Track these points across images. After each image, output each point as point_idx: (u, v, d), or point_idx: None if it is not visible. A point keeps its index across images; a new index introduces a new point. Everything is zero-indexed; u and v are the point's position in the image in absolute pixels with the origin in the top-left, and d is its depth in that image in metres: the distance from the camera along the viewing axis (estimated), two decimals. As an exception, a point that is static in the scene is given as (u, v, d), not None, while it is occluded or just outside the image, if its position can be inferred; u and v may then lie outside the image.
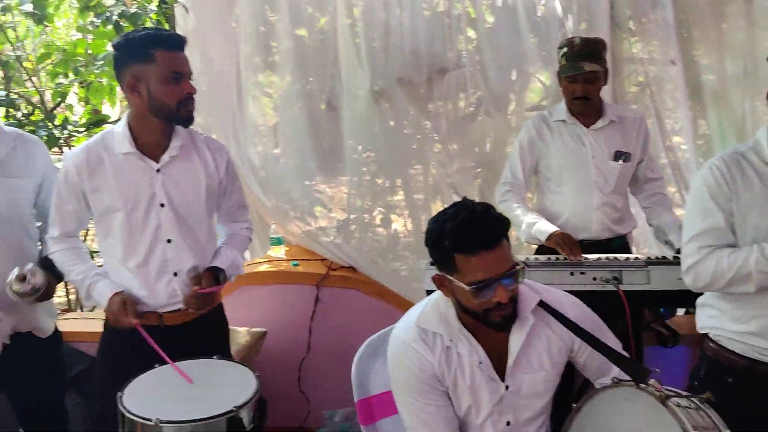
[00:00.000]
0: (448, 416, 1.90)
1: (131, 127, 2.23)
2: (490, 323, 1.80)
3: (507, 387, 1.88)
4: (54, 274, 2.32)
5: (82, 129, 4.16)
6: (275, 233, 3.65)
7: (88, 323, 3.34)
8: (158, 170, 2.25)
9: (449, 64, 3.50)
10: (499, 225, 1.77)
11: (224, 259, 2.39)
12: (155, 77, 2.14)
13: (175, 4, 3.60)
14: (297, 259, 3.53)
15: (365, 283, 3.41)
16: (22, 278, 2.22)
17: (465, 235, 1.73)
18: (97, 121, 4.33)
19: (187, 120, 2.23)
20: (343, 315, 3.42)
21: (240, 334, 3.08)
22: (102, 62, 3.96)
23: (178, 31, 3.28)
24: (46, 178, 2.43)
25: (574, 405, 1.77)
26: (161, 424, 1.79)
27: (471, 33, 3.61)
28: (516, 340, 1.87)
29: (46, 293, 2.32)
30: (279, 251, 3.60)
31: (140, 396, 1.92)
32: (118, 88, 4.35)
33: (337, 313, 3.43)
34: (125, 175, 2.22)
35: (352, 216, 3.72)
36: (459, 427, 1.94)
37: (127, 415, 1.85)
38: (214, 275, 2.32)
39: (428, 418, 1.88)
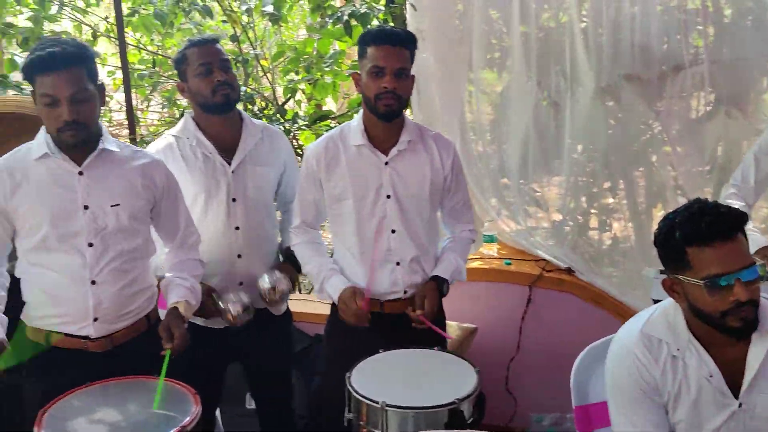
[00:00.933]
0: (659, 429, 1.78)
1: (365, 122, 2.34)
2: (727, 329, 1.65)
3: (740, 405, 1.72)
4: (295, 266, 2.50)
5: (306, 124, 4.43)
6: (488, 231, 3.64)
7: (308, 304, 3.55)
8: (386, 163, 2.33)
9: (684, 61, 3.28)
10: (736, 216, 1.63)
11: (448, 266, 2.43)
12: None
13: (404, 3, 3.71)
14: (510, 258, 3.50)
15: (581, 288, 3.30)
16: (272, 289, 2.41)
17: (698, 225, 1.61)
18: (321, 116, 4.60)
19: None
20: (556, 318, 3.33)
21: (451, 329, 3.11)
22: (331, 60, 4.20)
23: (409, 29, 3.36)
24: (287, 168, 2.62)
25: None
26: (387, 408, 1.85)
27: (710, 29, 3.36)
28: (757, 352, 1.69)
29: (290, 291, 2.51)
30: (492, 249, 3.59)
31: (367, 378, 2.00)
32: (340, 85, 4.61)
33: (549, 316, 3.35)
34: (357, 165, 2.33)
35: (566, 217, 3.62)
36: None
37: (355, 394, 1.94)
38: (438, 288, 2.37)
39: (638, 427, 1.78)
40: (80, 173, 2.07)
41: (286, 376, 2.77)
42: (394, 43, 2.25)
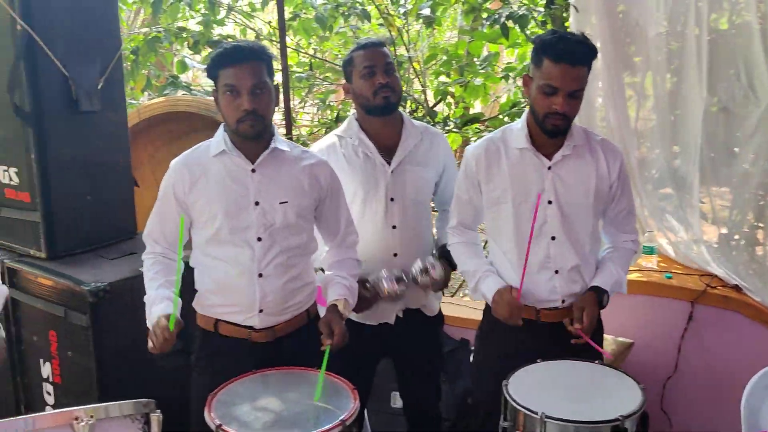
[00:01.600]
0: None
1: (529, 125, 2.29)
2: None
3: None
4: (450, 264, 2.50)
5: (457, 126, 4.43)
6: (648, 242, 3.47)
7: (456, 308, 3.53)
8: (549, 167, 2.27)
9: None
10: None
11: (608, 277, 2.33)
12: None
13: (565, 5, 3.62)
14: (670, 272, 3.32)
15: (750, 307, 3.06)
16: (424, 270, 2.42)
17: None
18: (470, 119, 4.58)
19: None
20: (720, 338, 3.12)
21: (606, 342, 2.99)
22: (485, 63, 4.17)
23: (572, 30, 3.27)
24: (446, 169, 2.62)
25: None
26: (546, 419, 1.80)
27: None
28: None
29: (443, 284, 2.50)
30: (651, 261, 3.42)
31: (525, 387, 1.96)
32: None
33: (712, 335, 3.14)
34: (518, 169, 2.29)
35: (733, 231, 3.39)
36: None
37: (512, 403, 1.90)
38: (597, 299, 2.28)
39: None
40: (253, 170, 2.17)
41: (435, 377, 2.78)
42: (573, 63, 2.12)
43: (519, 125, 2.32)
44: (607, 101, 3.55)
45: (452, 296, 4.05)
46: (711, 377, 3.15)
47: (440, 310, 2.70)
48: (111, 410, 1.49)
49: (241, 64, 2.07)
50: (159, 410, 1.61)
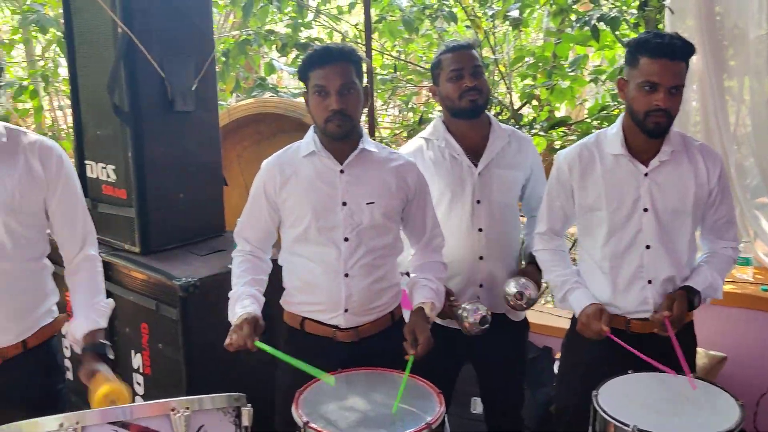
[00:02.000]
0: None
1: (624, 130, 2.23)
2: None
3: None
4: (539, 270, 2.46)
5: (543, 129, 4.35)
6: (744, 252, 3.32)
7: (538, 315, 3.48)
8: (646, 174, 2.20)
9: None
10: None
11: (703, 279, 2.24)
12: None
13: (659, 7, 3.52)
14: (767, 284, 3.17)
15: None
16: (519, 295, 2.39)
17: None
18: (557, 122, 4.49)
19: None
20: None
21: (698, 355, 2.88)
22: (573, 66, 4.09)
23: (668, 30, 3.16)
24: (533, 172, 2.58)
25: None
26: (638, 432, 1.74)
27: None
28: None
29: (535, 302, 2.47)
30: (746, 273, 3.27)
31: (615, 398, 1.90)
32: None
33: (813, 351, 2.99)
34: (613, 175, 2.23)
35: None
36: None
37: (602, 414, 1.85)
38: (689, 297, 2.19)
39: None
40: (341, 171, 2.19)
41: (518, 384, 2.73)
42: (672, 57, 2.07)
43: (614, 130, 2.26)
44: (704, 105, 3.42)
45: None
46: (811, 396, 2.99)
47: (525, 316, 2.66)
48: (205, 403, 1.53)
49: (330, 65, 2.10)
50: (250, 404, 1.64)
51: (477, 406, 3.27)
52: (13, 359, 2.02)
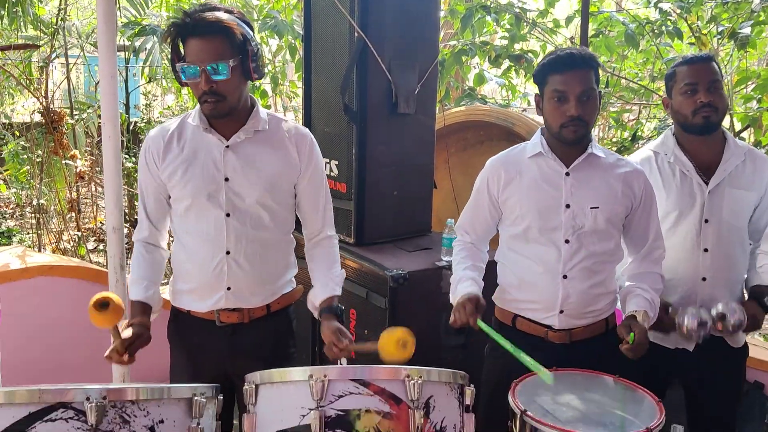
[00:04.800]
0: None
1: None
2: None
3: None
4: (762, 305, 2.36)
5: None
6: None
7: (756, 350, 3.25)
8: None
9: None
10: None
11: None
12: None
13: None
14: None
15: None
16: (722, 316, 2.28)
17: None
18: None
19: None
20: None
21: None
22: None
23: None
24: (765, 195, 2.44)
25: None
26: None
27: None
28: None
29: (753, 326, 2.36)
30: None
31: None
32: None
33: None
34: None
35: None
36: None
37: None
38: None
39: None
40: (567, 174, 2.22)
41: (731, 416, 2.58)
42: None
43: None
44: None
45: (749, 336, 3.72)
46: None
47: (746, 343, 2.52)
48: (433, 374, 1.62)
49: (572, 71, 2.13)
50: (473, 385, 1.71)
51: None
52: (259, 320, 2.25)
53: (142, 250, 2.27)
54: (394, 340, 1.93)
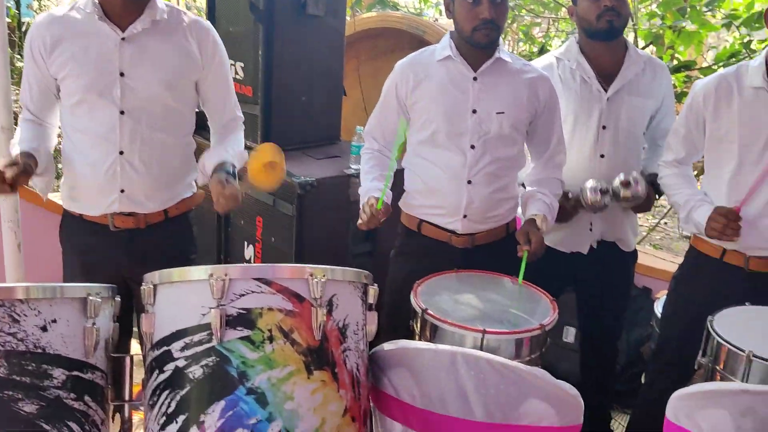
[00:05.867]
0: None
1: None
2: None
3: None
4: (655, 190, 2.45)
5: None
6: None
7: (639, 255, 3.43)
8: None
9: None
10: None
11: None
12: None
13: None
14: None
15: None
16: (626, 184, 2.37)
17: None
18: (682, 66, 4.34)
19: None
20: None
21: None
22: (709, 7, 3.91)
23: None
24: (664, 102, 2.52)
25: None
26: (753, 358, 1.74)
27: None
28: None
29: (646, 205, 2.45)
30: None
31: (730, 326, 1.90)
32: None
33: None
34: (751, 109, 2.17)
35: None
36: None
37: (717, 338, 1.85)
38: None
39: None
40: (474, 78, 2.21)
41: (620, 314, 2.74)
42: None
43: (756, 62, 2.19)
44: None
45: (638, 244, 3.93)
46: None
47: (636, 249, 2.65)
48: (337, 273, 1.62)
49: None
50: (376, 284, 1.72)
51: (569, 334, 3.30)
52: (156, 225, 2.18)
53: (28, 123, 2.11)
54: (260, 167, 1.93)
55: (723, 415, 1.56)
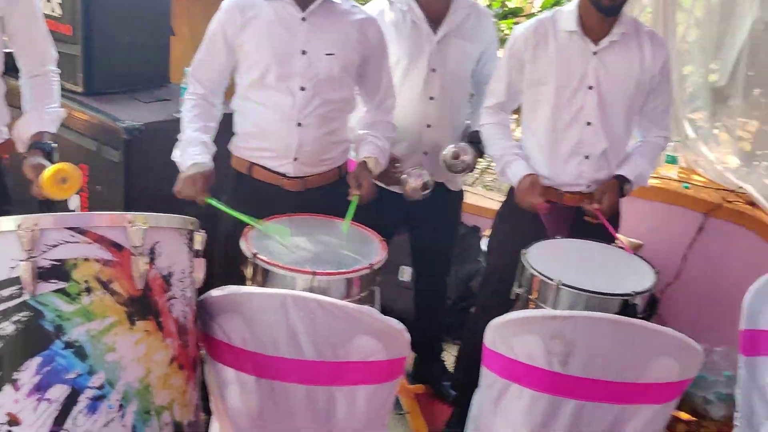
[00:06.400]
0: None
1: (580, 7, 2.28)
2: None
3: None
4: (478, 150, 2.55)
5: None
6: (672, 151, 3.49)
7: (468, 196, 3.59)
8: (595, 53, 2.28)
9: None
10: None
11: (633, 168, 2.38)
12: None
13: None
14: (689, 182, 3.37)
15: (763, 225, 3.10)
16: (455, 156, 2.46)
17: None
18: (509, 12, 4.53)
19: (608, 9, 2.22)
20: (726, 252, 3.20)
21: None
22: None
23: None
24: (487, 48, 2.62)
25: None
26: (561, 287, 1.89)
27: None
28: None
29: (471, 168, 2.56)
30: (672, 170, 3.45)
31: (543, 258, 2.04)
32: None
33: (719, 248, 3.22)
34: (564, 52, 2.30)
35: (757, 152, 3.43)
36: None
37: (530, 270, 1.99)
38: (620, 187, 2.34)
39: None
40: (303, 19, 2.17)
41: (449, 250, 2.88)
42: None
43: (571, 7, 2.32)
44: (655, 13, 3.48)
45: (471, 185, 4.12)
46: (711, 288, 3.23)
47: (462, 189, 2.77)
48: (161, 220, 1.56)
49: None
50: (204, 230, 1.68)
51: (404, 274, 3.41)
52: None
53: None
54: (50, 174, 1.87)
55: (535, 339, 1.69)
